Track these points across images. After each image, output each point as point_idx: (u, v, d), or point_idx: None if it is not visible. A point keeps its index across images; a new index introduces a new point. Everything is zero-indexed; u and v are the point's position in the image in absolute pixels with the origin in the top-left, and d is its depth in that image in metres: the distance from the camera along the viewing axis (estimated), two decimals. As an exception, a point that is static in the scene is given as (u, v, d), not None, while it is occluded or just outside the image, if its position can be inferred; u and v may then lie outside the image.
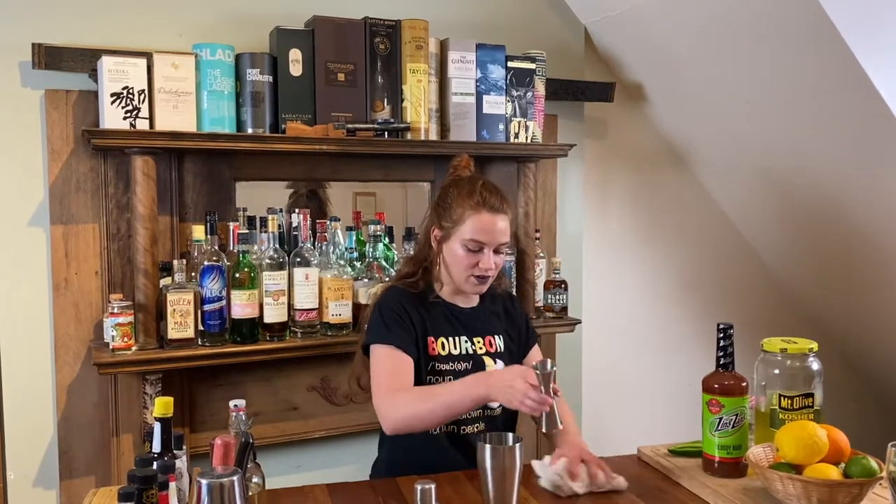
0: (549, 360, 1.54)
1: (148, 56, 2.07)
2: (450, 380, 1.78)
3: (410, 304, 1.85)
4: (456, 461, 1.76)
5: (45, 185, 2.19)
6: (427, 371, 1.80)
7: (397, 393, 1.71)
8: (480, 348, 1.86)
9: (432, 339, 1.83)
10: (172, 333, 2.08)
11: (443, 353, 1.82)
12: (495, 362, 1.86)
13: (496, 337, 1.90)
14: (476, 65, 2.45)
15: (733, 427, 1.63)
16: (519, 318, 1.98)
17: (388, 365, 1.76)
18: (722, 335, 1.68)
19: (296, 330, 2.24)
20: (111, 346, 2.07)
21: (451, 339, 1.85)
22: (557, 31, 2.80)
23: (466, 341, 1.86)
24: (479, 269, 1.79)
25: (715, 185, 3.16)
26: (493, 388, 1.61)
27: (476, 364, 1.84)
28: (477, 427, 1.82)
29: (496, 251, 1.80)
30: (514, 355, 1.92)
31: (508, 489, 1.42)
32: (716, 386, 1.65)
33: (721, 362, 1.67)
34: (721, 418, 1.63)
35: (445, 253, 1.83)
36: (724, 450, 1.64)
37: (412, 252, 2.07)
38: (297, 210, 2.32)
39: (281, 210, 2.34)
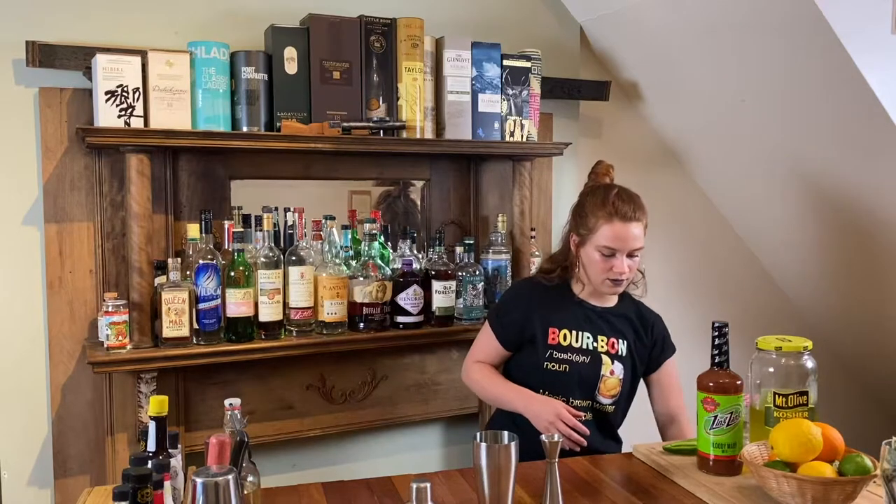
0: (556, 434, 1.56)
1: (142, 54, 2.07)
2: (565, 368, 1.96)
3: (539, 295, 2.05)
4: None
5: (40, 183, 2.18)
6: (545, 357, 1.98)
7: (475, 364, 2.07)
8: (602, 347, 1.99)
9: (555, 329, 1.99)
10: (167, 332, 2.08)
11: (563, 343, 1.98)
12: (613, 363, 1.98)
13: (620, 341, 2.01)
14: (471, 63, 2.45)
15: (728, 425, 1.63)
16: (656, 331, 2.08)
17: (483, 340, 2.08)
18: (717, 334, 1.68)
19: (291, 328, 2.24)
20: (106, 345, 2.06)
21: (574, 332, 1.99)
22: (553, 29, 2.80)
23: (589, 337, 1.99)
24: (613, 272, 1.93)
25: (710, 184, 3.17)
26: (529, 411, 1.89)
27: (594, 360, 1.98)
28: (587, 416, 1.95)
29: (629, 255, 1.95)
30: (637, 363, 2.04)
31: (504, 487, 1.41)
32: (710, 384, 1.65)
33: (716, 361, 1.67)
34: (716, 416, 1.63)
35: (583, 257, 1.99)
36: (720, 448, 1.64)
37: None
38: (292, 208, 2.32)
39: (276, 208, 2.34)
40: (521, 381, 1.99)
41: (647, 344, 2.06)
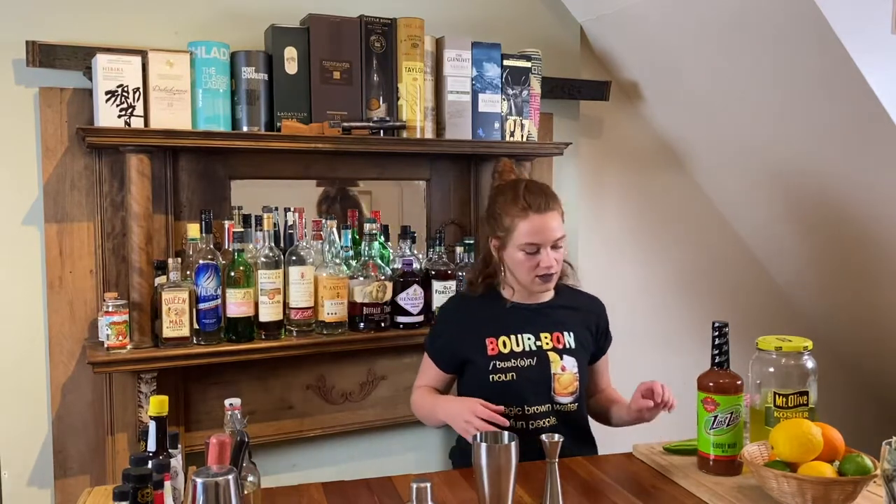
0: (556, 434, 1.52)
1: (143, 54, 2.07)
2: (512, 377, 1.88)
3: (468, 310, 1.98)
4: (525, 454, 1.75)
5: (40, 183, 2.18)
6: (489, 370, 1.89)
7: (418, 389, 2.02)
8: (547, 344, 1.92)
9: (492, 339, 1.91)
10: (167, 332, 2.08)
11: (504, 350, 1.90)
12: (562, 358, 1.91)
13: (566, 333, 1.94)
14: (472, 63, 2.45)
15: (728, 425, 1.63)
16: (602, 318, 2.04)
17: (424, 366, 2.03)
18: (717, 334, 1.68)
19: (291, 328, 2.24)
20: (106, 345, 2.06)
21: (514, 336, 1.91)
22: (553, 29, 2.80)
23: (531, 338, 1.91)
24: (541, 268, 1.86)
25: (710, 184, 3.17)
26: (448, 416, 1.82)
27: (541, 360, 1.90)
28: (547, 421, 1.89)
29: (553, 247, 1.86)
30: (587, 354, 1.99)
31: (504, 487, 1.42)
32: (711, 384, 1.65)
33: (716, 361, 1.68)
34: (716, 416, 1.63)
35: (507, 260, 1.91)
36: (720, 448, 1.64)
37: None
38: (292, 208, 2.32)
39: (276, 208, 2.34)
40: None
41: (594, 332, 2.01)
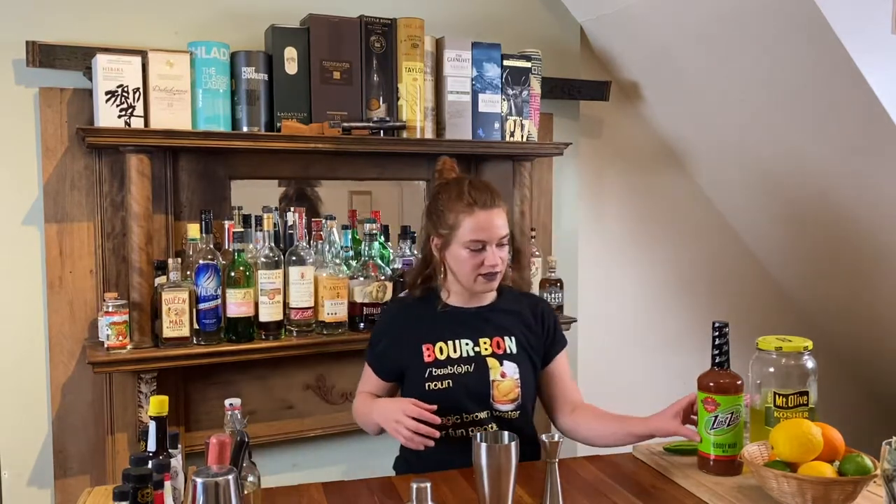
0: (556, 433, 1.49)
1: (143, 54, 2.07)
2: (448, 384, 1.80)
3: (405, 315, 1.90)
4: (466, 462, 1.70)
5: (40, 183, 2.18)
6: (425, 378, 1.81)
7: (358, 396, 1.94)
8: (486, 349, 1.84)
9: (429, 346, 1.83)
10: (167, 332, 2.08)
11: (440, 357, 1.82)
12: (502, 364, 1.83)
13: (507, 338, 1.86)
14: (471, 63, 2.45)
15: (729, 425, 1.63)
16: (546, 320, 1.93)
17: (365, 374, 1.95)
18: (717, 334, 1.68)
19: (291, 329, 2.24)
20: (106, 345, 2.06)
21: (451, 342, 1.84)
22: (553, 29, 2.80)
23: (469, 343, 1.84)
24: (486, 266, 1.79)
25: (710, 184, 3.17)
26: (381, 419, 1.75)
27: (479, 366, 1.82)
28: (489, 429, 1.80)
29: (499, 245, 1.81)
30: (533, 359, 1.88)
31: (504, 487, 1.42)
32: (711, 384, 1.65)
33: (716, 361, 1.67)
34: (717, 416, 1.63)
35: (449, 259, 1.83)
36: (720, 448, 1.64)
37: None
38: (291, 209, 2.32)
39: (276, 209, 2.34)
40: None
41: (540, 335, 1.90)
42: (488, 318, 1.88)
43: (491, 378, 1.81)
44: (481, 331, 1.85)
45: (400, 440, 1.69)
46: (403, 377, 1.88)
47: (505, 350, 1.85)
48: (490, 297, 1.90)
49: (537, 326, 1.91)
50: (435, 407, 1.68)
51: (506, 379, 1.82)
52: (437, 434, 1.66)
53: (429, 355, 1.82)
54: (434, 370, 1.81)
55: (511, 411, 1.82)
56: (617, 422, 1.82)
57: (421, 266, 1.94)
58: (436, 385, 1.80)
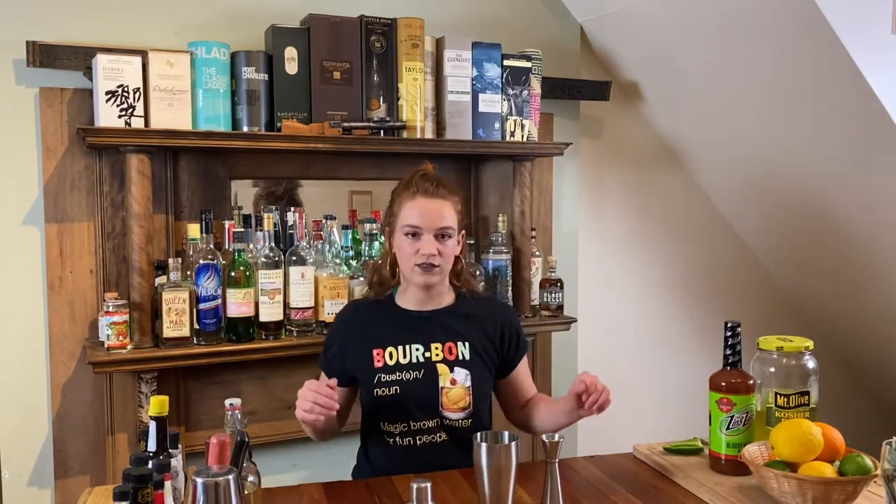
0: (556, 433, 1.49)
1: (143, 54, 2.07)
2: (396, 391, 1.76)
3: (360, 318, 1.85)
4: (412, 469, 1.70)
5: (40, 183, 2.18)
6: (374, 384, 1.77)
7: None
8: (437, 355, 1.78)
9: (380, 349, 1.79)
10: (168, 332, 2.08)
11: (390, 363, 1.77)
12: (452, 371, 1.78)
13: (461, 344, 1.80)
14: (472, 63, 2.44)
15: (744, 425, 1.63)
16: (508, 328, 1.87)
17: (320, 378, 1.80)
18: (730, 333, 1.67)
19: (291, 328, 2.24)
20: (106, 345, 2.06)
21: (401, 347, 1.78)
22: (553, 29, 2.80)
23: (419, 348, 1.78)
24: (420, 255, 1.73)
25: (710, 184, 3.17)
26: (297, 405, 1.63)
27: (427, 373, 1.77)
28: (438, 437, 1.77)
29: (439, 237, 1.75)
30: (489, 366, 1.83)
31: (504, 487, 1.41)
32: (723, 384, 1.65)
33: (730, 360, 1.67)
34: (732, 416, 1.63)
35: (395, 249, 1.81)
36: (735, 448, 1.63)
37: None
38: (291, 208, 2.32)
39: (276, 209, 2.34)
40: (364, 417, 1.83)
41: (497, 343, 1.84)
42: (441, 322, 1.82)
43: (440, 385, 1.77)
44: (433, 335, 1.80)
45: (301, 416, 1.62)
46: (356, 383, 1.84)
47: (457, 356, 1.79)
48: (446, 300, 1.86)
49: (495, 334, 1.85)
50: (335, 382, 1.63)
51: (455, 386, 1.77)
52: (335, 406, 1.59)
53: (378, 360, 1.78)
54: (383, 376, 1.76)
55: (462, 420, 1.77)
56: (554, 404, 1.84)
57: (380, 262, 1.92)
58: (384, 391, 1.76)
